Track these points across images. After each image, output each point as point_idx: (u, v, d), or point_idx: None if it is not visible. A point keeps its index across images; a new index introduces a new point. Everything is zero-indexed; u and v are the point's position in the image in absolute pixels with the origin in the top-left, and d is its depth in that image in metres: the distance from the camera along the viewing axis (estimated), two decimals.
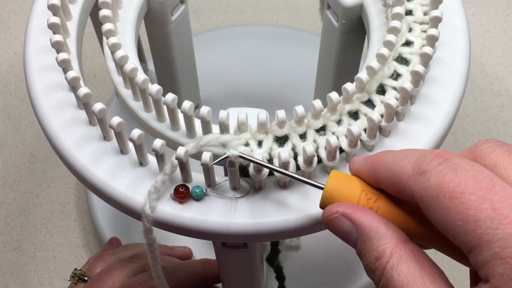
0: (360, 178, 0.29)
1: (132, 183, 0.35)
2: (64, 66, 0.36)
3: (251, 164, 0.33)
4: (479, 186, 0.23)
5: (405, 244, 0.26)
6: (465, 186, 0.23)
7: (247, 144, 0.34)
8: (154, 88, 0.34)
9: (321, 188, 0.30)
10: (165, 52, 0.55)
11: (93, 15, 0.45)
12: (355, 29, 0.48)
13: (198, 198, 0.34)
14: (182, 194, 0.34)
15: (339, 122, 0.35)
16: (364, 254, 0.27)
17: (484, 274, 0.22)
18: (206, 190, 0.35)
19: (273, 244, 0.57)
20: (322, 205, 0.30)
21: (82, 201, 0.68)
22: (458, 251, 0.25)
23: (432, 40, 0.36)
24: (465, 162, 0.24)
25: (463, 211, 0.23)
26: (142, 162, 0.36)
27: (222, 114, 0.33)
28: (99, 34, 0.53)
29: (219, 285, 0.53)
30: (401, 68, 0.37)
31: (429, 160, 0.25)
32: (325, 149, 0.34)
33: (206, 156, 0.32)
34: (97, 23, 0.51)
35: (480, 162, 0.26)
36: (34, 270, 0.65)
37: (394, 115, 0.35)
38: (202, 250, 0.60)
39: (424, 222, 0.27)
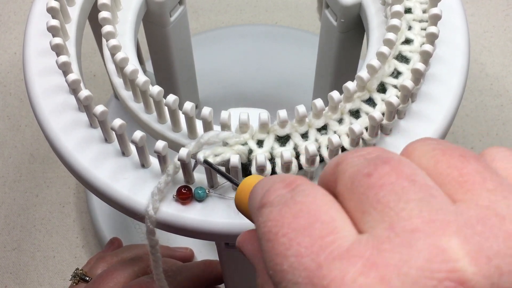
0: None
1: (134, 185, 0.35)
2: (65, 69, 0.36)
3: (254, 164, 0.33)
4: (294, 225, 0.19)
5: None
6: (281, 226, 0.19)
7: (245, 144, 0.34)
8: (155, 89, 0.34)
9: (236, 185, 0.29)
10: (164, 53, 0.55)
11: (92, 17, 0.45)
12: (353, 28, 0.48)
13: (201, 199, 0.34)
14: (185, 195, 0.34)
15: (340, 121, 0.35)
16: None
17: None
18: (208, 191, 0.35)
19: None
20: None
21: (81, 201, 0.68)
22: None
23: (432, 38, 0.36)
24: (305, 191, 0.20)
25: (272, 258, 0.19)
26: (144, 164, 0.36)
27: (224, 114, 0.33)
28: (98, 37, 0.53)
29: (221, 286, 0.52)
30: (402, 66, 0.37)
31: (274, 190, 0.21)
32: (327, 148, 0.34)
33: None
34: (96, 26, 0.51)
35: (336, 190, 0.21)
36: (33, 270, 0.65)
37: (395, 113, 0.35)
38: (203, 251, 0.60)
39: None
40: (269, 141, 0.34)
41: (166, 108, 0.36)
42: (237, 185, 0.28)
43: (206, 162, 0.32)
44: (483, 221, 0.17)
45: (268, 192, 0.21)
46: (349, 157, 0.21)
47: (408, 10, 0.40)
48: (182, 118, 0.36)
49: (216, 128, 0.35)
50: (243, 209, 0.25)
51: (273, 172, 0.34)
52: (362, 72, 0.35)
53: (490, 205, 0.18)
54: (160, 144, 0.32)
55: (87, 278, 0.51)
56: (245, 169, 0.34)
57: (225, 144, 0.34)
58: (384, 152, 0.20)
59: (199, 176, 0.35)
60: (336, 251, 0.18)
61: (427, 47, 0.36)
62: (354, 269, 0.17)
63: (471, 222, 0.17)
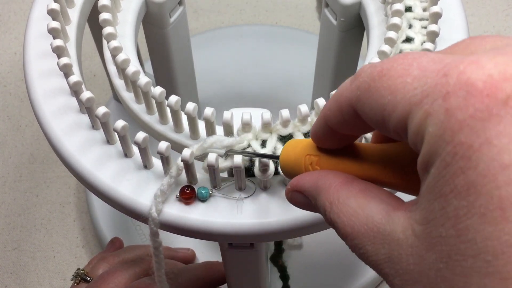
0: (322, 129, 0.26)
1: (137, 186, 0.35)
2: (66, 70, 0.36)
3: (257, 164, 0.33)
4: (406, 57, 0.20)
5: (344, 185, 0.23)
6: (393, 62, 0.20)
7: (248, 146, 0.34)
8: (157, 90, 0.34)
9: (277, 158, 0.30)
10: (163, 54, 0.55)
11: (91, 19, 0.45)
12: (353, 27, 0.48)
13: (204, 199, 0.34)
14: (188, 195, 0.34)
15: None
16: (322, 214, 0.24)
17: (417, 144, 0.19)
18: (211, 191, 0.35)
19: (277, 243, 0.57)
20: (285, 175, 0.29)
21: (82, 201, 0.68)
22: (416, 182, 0.21)
23: (432, 36, 0.36)
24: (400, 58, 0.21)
25: (391, 83, 0.19)
26: (146, 165, 0.36)
27: (227, 114, 0.33)
28: (97, 38, 0.53)
29: (224, 286, 0.52)
30: None
31: (365, 68, 0.22)
32: None
33: (212, 157, 0.32)
34: (95, 27, 0.51)
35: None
36: (33, 270, 0.65)
37: None
38: (205, 252, 0.60)
39: (371, 162, 0.25)
40: (272, 141, 0.34)
41: (168, 109, 0.36)
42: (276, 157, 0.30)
43: (229, 152, 0.33)
44: None
45: (358, 72, 0.22)
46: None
47: (408, 9, 0.40)
48: (184, 119, 0.36)
49: (218, 128, 0.35)
50: (290, 172, 0.28)
51: (275, 171, 0.34)
52: None
53: None
54: (163, 145, 0.32)
55: (88, 278, 0.51)
56: (248, 170, 0.34)
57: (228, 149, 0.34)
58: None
59: (202, 176, 0.35)
60: (459, 56, 0.19)
61: (428, 45, 0.36)
62: (487, 56, 0.18)
63: None
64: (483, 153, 0.17)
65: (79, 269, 0.52)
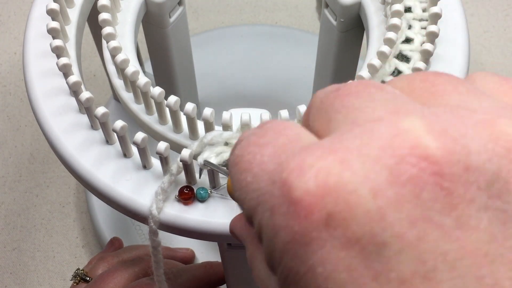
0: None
1: (136, 186, 0.35)
2: (65, 70, 0.36)
3: None
4: (259, 142, 0.18)
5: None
6: (247, 146, 0.18)
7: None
8: (157, 91, 0.34)
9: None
10: (163, 54, 0.55)
11: (91, 19, 0.45)
12: (353, 27, 0.48)
13: (203, 199, 0.34)
14: (187, 195, 0.34)
15: None
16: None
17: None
18: (210, 192, 0.35)
19: None
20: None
21: (81, 201, 0.68)
22: None
23: (432, 37, 0.36)
24: (272, 122, 0.19)
25: (237, 178, 0.18)
26: (145, 165, 0.36)
27: (226, 115, 0.33)
28: (97, 38, 0.53)
29: (223, 287, 0.52)
30: (402, 65, 0.37)
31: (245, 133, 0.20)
32: None
33: (207, 154, 0.32)
34: (94, 27, 0.51)
35: (308, 121, 0.20)
36: (33, 270, 0.65)
37: None
38: (205, 252, 0.60)
39: None
40: None
41: (167, 109, 0.36)
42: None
43: (206, 163, 0.32)
44: (451, 112, 0.16)
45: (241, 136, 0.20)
46: (317, 92, 0.19)
47: (408, 9, 0.40)
48: (183, 119, 0.36)
49: (218, 128, 0.35)
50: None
51: None
52: (363, 72, 0.35)
53: (461, 104, 0.16)
54: (162, 146, 0.32)
55: (88, 278, 0.51)
56: None
57: (226, 144, 0.34)
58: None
59: (202, 176, 0.35)
60: (298, 148, 0.17)
61: (428, 46, 0.36)
62: (313, 157, 0.16)
63: (437, 113, 0.16)
64: (309, 282, 0.15)
65: (78, 269, 0.52)
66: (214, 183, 0.35)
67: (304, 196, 0.15)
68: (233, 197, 0.25)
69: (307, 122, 0.20)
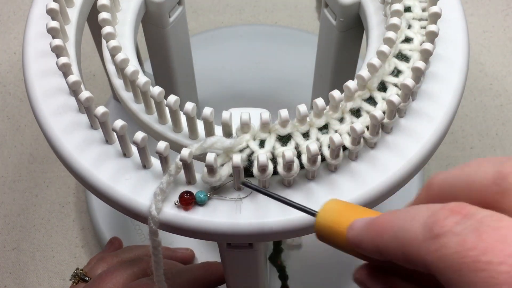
0: (361, 247, 0.24)
1: (136, 186, 0.35)
2: (65, 70, 0.36)
3: (255, 164, 0.33)
4: (508, 252, 0.18)
5: None
6: (492, 253, 0.18)
7: (246, 147, 0.34)
8: (156, 90, 0.34)
9: (313, 215, 0.27)
10: (163, 54, 0.55)
11: (90, 19, 0.45)
12: (353, 27, 0.48)
13: (202, 203, 0.34)
14: (187, 200, 0.34)
15: (341, 120, 0.35)
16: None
17: None
18: (209, 195, 0.35)
19: (275, 243, 0.57)
20: (319, 237, 0.27)
21: (81, 201, 0.68)
22: None
23: (431, 36, 0.36)
24: (490, 217, 0.19)
25: (492, 287, 0.18)
26: (145, 165, 0.36)
27: (225, 114, 0.33)
28: (96, 38, 0.53)
29: (223, 286, 0.52)
30: (402, 65, 0.37)
31: (443, 219, 0.20)
32: (329, 147, 0.34)
33: (211, 156, 0.32)
34: (94, 27, 0.51)
35: (508, 202, 0.20)
36: (33, 270, 0.65)
37: (396, 111, 0.35)
38: (204, 252, 0.60)
39: None
40: (271, 141, 0.34)
41: (167, 109, 0.36)
42: (313, 214, 0.27)
43: (246, 185, 0.32)
44: None
45: (438, 222, 0.20)
46: None
47: (407, 9, 0.40)
48: (183, 119, 0.36)
49: (217, 128, 0.35)
50: (328, 236, 0.25)
51: (275, 171, 0.34)
52: (363, 71, 0.35)
53: None
54: (161, 145, 0.32)
55: (87, 278, 0.51)
56: (247, 170, 0.34)
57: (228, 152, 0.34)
58: None
59: (200, 176, 0.35)
60: None
61: (427, 46, 0.36)
62: None
63: None
64: None
65: (77, 269, 0.52)
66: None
67: None
68: (331, 241, 0.25)
69: (477, 187, 0.21)
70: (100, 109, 0.34)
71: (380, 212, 0.24)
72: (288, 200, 0.30)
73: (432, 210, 0.21)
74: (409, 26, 0.39)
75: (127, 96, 0.39)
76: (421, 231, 0.20)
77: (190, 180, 0.35)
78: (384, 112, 0.35)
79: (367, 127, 0.35)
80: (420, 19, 0.39)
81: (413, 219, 0.21)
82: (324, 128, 0.35)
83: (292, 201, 0.30)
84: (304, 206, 0.29)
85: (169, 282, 0.47)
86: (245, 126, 0.34)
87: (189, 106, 0.33)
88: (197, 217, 0.34)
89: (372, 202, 0.35)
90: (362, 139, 0.35)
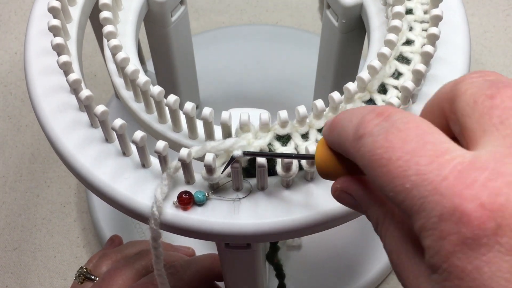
0: (327, 140, 0.27)
1: (135, 185, 0.35)
2: (65, 68, 0.36)
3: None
4: (406, 149, 0.21)
5: (391, 214, 0.24)
6: (392, 151, 0.21)
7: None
8: (156, 90, 0.34)
9: (312, 158, 0.29)
10: (165, 53, 0.55)
11: (93, 17, 0.45)
12: (355, 28, 0.48)
13: (201, 203, 0.34)
14: (186, 200, 0.34)
15: None
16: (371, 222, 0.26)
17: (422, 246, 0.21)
18: (208, 195, 0.35)
19: (272, 241, 0.56)
20: (320, 173, 0.29)
21: (82, 201, 0.68)
22: None
23: (433, 39, 0.36)
24: (403, 118, 0.22)
25: (391, 180, 0.21)
26: (144, 164, 0.36)
27: (225, 115, 0.33)
28: (99, 36, 0.53)
29: (222, 284, 0.52)
30: (402, 67, 0.37)
31: (367, 121, 0.22)
32: None
33: (209, 157, 0.32)
34: (97, 25, 0.51)
35: (454, 106, 0.23)
36: (34, 270, 0.65)
37: None
38: (204, 251, 0.59)
39: None
40: (268, 137, 0.34)
41: (166, 108, 0.36)
42: (311, 157, 0.30)
43: (247, 153, 0.32)
44: None
45: (363, 124, 0.22)
46: (467, 78, 0.22)
47: (409, 11, 0.40)
48: (182, 118, 0.36)
49: (216, 128, 0.35)
50: (328, 170, 0.28)
51: (274, 172, 0.34)
52: (363, 73, 0.35)
53: None
54: (160, 145, 0.32)
55: (93, 277, 0.51)
56: (245, 170, 0.35)
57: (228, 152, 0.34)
58: (501, 76, 0.22)
59: (199, 176, 0.35)
60: (459, 165, 0.19)
61: (428, 48, 0.36)
62: (483, 176, 0.19)
63: None
64: (475, 278, 0.19)
65: (81, 267, 0.52)
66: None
67: (477, 209, 0.19)
68: (330, 175, 0.27)
69: (436, 99, 0.23)
70: (100, 108, 0.34)
71: None
72: (286, 154, 0.33)
73: (364, 112, 0.23)
74: (411, 28, 0.39)
75: (127, 95, 0.39)
76: (352, 131, 0.23)
77: (189, 180, 0.35)
78: None
79: None
80: (422, 22, 0.39)
81: (350, 120, 0.24)
82: None
83: (289, 153, 0.33)
84: (301, 154, 0.32)
85: (178, 274, 0.47)
86: (244, 127, 0.34)
87: (189, 106, 0.33)
88: (196, 217, 0.34)
89: None
90: None
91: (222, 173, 0.33)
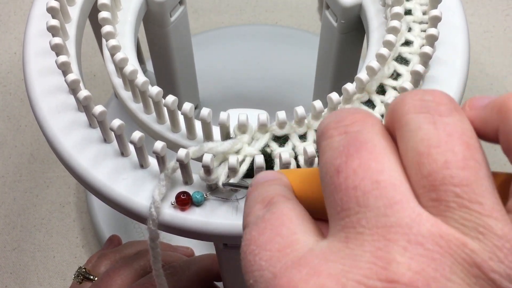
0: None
1: (133, 185, 0.35)
2: (64, 68, 0.36)
3: (254, 165, 0.33)
4: (259, 242, 0.20)
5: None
6: (249, 244, 0.20)
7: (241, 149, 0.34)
8: (154, 90, 0.34)
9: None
10: (164, 53, 0.55)
11: (92, 17, 0.45)
12: (354, 29, 0.48)
13: (199, 203, 0.34)
14: (184, 201, 0.34)
15: None
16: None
17: None
18: (206, 195, 0.35)
19: None
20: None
21: (81, 201, 0.68)
22: None
23: (431, 40, 0.36)
24: (273, 208, 0.21)
25: (244, 275, 0.20)
26: (142, 164, 0.36)
27: (223, 115, 0.33)
28: (98, 36, 0.53)
29: (221, 284, 0.52)
30: (401, 68, 0.37)
31: (255, 210, 0.22)
32: None
33: (207, 157, 0.32)
34: (96, 25, 0.51)
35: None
36: (33, 270, 0.65)
37: None
38: (203, 251, 0.59)
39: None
40: (265, 139, 0.34)
41: (165, 109, 0.36)
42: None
43: (228, 184, 0.33)
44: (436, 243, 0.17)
45: (249, 214, 0.22)
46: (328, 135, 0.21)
47: (408, 12, 0.40)
48: (181, 119, 0.36)
49: (215, 128, 0.35)
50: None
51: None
52: (362, 74, 0.35)
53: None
54: (158, 145, 0.32)
55: (91, 277, 0.51)
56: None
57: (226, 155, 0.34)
58: (363, 125, 0.20)
59: (198, 176, 0.35)
60: (290, 261, 0.19)
61: (427, 49, 0.36)
62: (299, 276, 0.18)
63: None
64: None
65: (80, 267, 0.52)
66: (211, 185, 0.35)
67: None
68: None
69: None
70: (98, 108, 0.34)
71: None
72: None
73: (255, 199, 0.22)
74: (409, 29, 0.39)
75: (126, 95, 0.39)
76: (243, 221, 0.22)
77: (187, 180, 0.35)
78: (382, 116, 0.35)
79: None
80: (421, 22, 0.39)
81: (256, 201, 0.22)
82: None
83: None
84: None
85: (178, 275, 0.47)
86: (242, 127, 0.34)
87: (187, 106, 0.33)
88: (194, 217, 0.34)
89: None
90: None
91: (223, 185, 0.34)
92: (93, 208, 0.64)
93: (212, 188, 0.35)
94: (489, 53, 0.77)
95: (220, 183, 0.33)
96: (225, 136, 0.35)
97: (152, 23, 0.50)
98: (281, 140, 0.35)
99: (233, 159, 0.32)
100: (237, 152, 0.34)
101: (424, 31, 0.38)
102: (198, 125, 0.36)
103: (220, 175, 0.33)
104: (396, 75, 0.37)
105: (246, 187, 0.33)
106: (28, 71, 0.40)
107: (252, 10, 0.81)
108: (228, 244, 0.39)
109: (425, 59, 0.36)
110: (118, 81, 0.39)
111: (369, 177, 0.18)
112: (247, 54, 0.73)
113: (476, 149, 0.19)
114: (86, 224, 0.67)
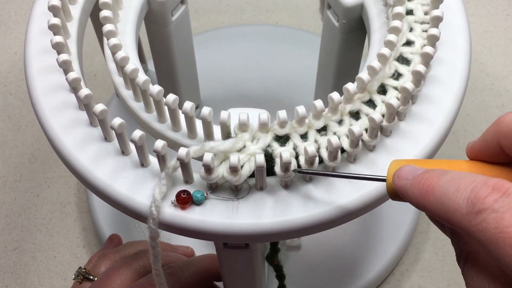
0: (406, 197, 0.27)
1: (134, 184, 0.35)
2: (65, 67, 0.36)
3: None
4: None
5: (475, 254, 0.26)
6: None
7: (243, 148, 0.34)
8: (155, 89, 0.34)
9: (383, 180, 0.30)
10: (166, 53, 0.55)
11: (93, 16, 0.45)
12: (355, 29, 0.48)
13: (199, 202, 0.34)
14: (184, 199, 0.34)
15: (340, 122, 0.35)
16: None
17: None
18: (206, 194, 0.35)
19: (272, 242, 0.56)
20: (391, 196, 0.29)
21: (82, 201, 0.68)
22: None
23: (433, 40, 0.36)
24: None
25: None
26: (143, 163, 0.36)
27: (224, 114, 0.33)
28: (99, 35, 0.53)
29: (221, 284, 0.52)
30: (402, 68, 0.37)
31: (484, 196, 0.23)
32: (327, 149, 0.34)
33: (208, 156, 0.32)
34: (97, 24, 0.51)
35: None
36: (34, 270, 0.65)
37: (395, 115, 0.35)
38: (203, 251, 0.60)
39: None
40: (267, 139, 0.34)
41: (166, 108, 0.36)
42: (383, 180, 0.30)
43: (298, 171, 0.33)
44: None
45: (479, 198, 0.23)
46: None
47: (409, 12, 0.40)
48: (182, 118, 0.36)
49: (215, 127, 0.35)
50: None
51: (272, 172, 0.34)
52: (363, 74, 0.35)
53: None
54: (159, 144, 0.32)
55: (91, 277, 0.51)
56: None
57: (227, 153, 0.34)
58: None
59: (198, 175, 0.35)
60: None
61: (428, 49, 0.36)
62: None
63: None
64: None
65: (80, 267, 0.52)
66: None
67: None
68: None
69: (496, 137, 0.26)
70: (99, 107, 0.34)
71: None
72: (354, 174, 0.33)
73: (474, 185, 0.23)
74: (411, 29, 0.39)
75: (127, 94, 0.39)
76: (464, 205, 0.23)
77: (188, 179, 0.35)
78: (383, 115, 0.35)
79: (366, 130, 0.35)
80: (422, 22, 0.39)
81: (457, 190, 0.24)
82: (323, 130, 0.35)
83: (358, 174, 0.33)
84: (370, 175, 0.31)
85: (177, 275, 0.47)
86: (243, 127, 0.34)
87: (188, 105, 0.33)
88: (194, 216, 0.34)
89: (370, 206, 0.35)
90: (360, 142, 0.35)
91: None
92: (94, 208, 0.64)
93: (213, 187, 0.35)
94: (490, 53, 0.77)
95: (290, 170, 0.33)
96: (226, 135, 0.35)
97: (154, 22, 0.50)
98: (282, 139, 0.35)
99: (234, 158, 0.32)
100: (240, 151, 0.34)
101: (426, 31, 0.38)
102: (198, 124, 0.36)
103: (220, 174, 0.33)
104: (397, 75, 0.37)
105: (320, 174, 0.33)
106: (29, 69, 0.40)
107: (252, 10, 0.81)
108: (228, 244, 0.39)
109: (427, 59, 0.36)
110: (119, 80, 0.39)
111: None
112: (248, 54, 0.73)
113: None
114: (87, 224, 0.67)
